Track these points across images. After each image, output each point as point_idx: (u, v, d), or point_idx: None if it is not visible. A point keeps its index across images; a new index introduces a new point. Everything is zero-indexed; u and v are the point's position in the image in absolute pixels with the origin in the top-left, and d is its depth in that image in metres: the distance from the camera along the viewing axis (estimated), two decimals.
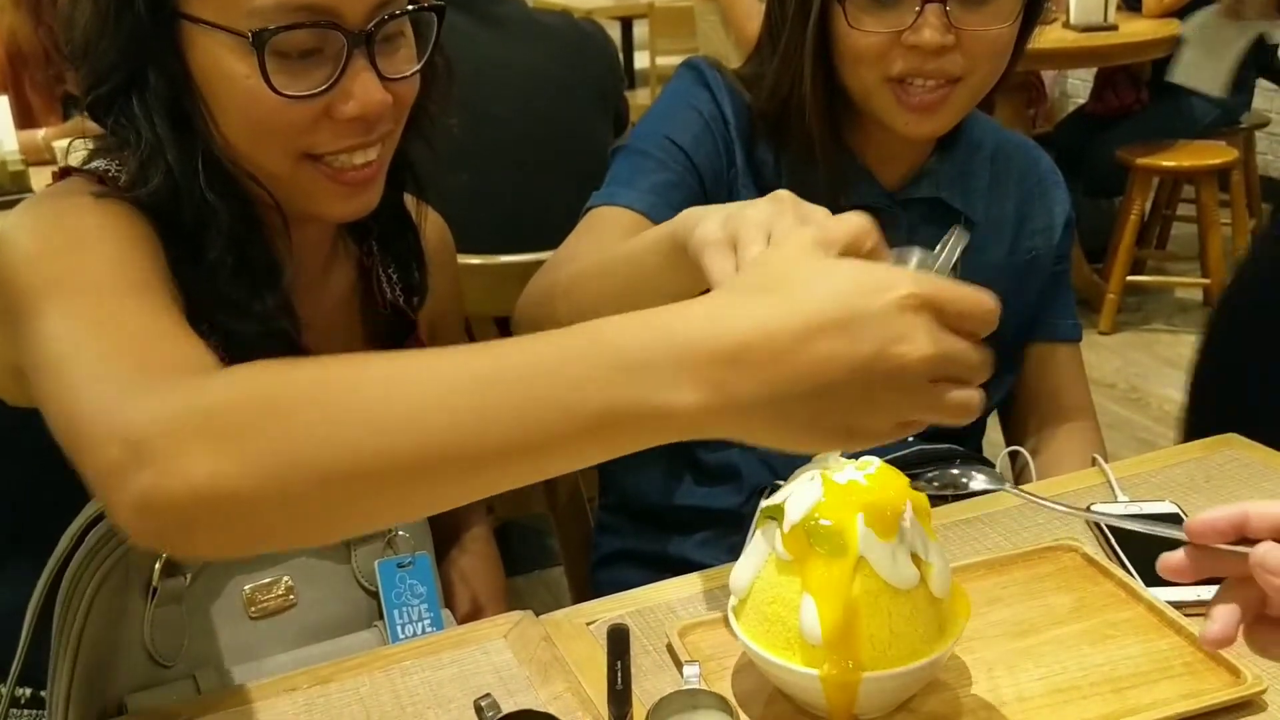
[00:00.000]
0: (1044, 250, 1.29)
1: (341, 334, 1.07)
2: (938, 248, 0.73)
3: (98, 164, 0.93)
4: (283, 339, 0.94)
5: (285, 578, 0.94)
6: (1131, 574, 0.92)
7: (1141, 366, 3.59)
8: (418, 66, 0.92)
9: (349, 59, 0.86)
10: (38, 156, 2.42)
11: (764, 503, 1.15)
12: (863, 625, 0.74)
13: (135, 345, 0.73)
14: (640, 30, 5.48)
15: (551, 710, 0.79)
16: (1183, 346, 3.70)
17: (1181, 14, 3.86)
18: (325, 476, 0.60)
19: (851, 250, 0.66)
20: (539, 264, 1.55)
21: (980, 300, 0.63)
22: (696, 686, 0.75)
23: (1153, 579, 0.91)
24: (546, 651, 0.86)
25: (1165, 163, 3.69)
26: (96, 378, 0.70)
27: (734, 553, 1.04)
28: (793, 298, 0.60)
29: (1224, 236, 3.84)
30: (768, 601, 0.77)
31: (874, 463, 0.79)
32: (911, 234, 1.19)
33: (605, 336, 0.61)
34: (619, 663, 0.83)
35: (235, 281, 0.91)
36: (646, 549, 1.29)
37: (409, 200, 1.09)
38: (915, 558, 0.75)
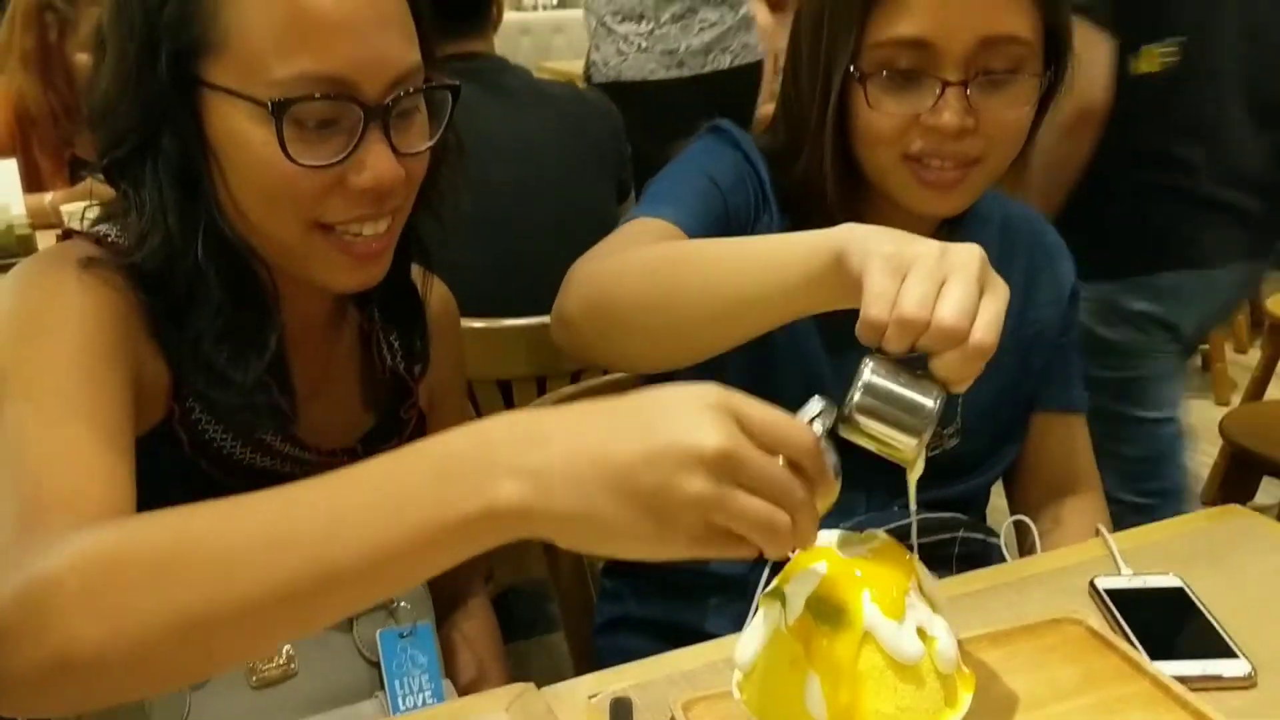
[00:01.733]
0: (1051, 321, 1.30)
1: (341, 399, 1.07)
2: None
3: (100, 228, 0.95)
4: (264, 411, 0.95)
5: (286, 647, 0.94)
6: (1137, 647, 0.92)
7: None
8: (431, 142, 0.94)
9: (365, 131, 0.87)
10: (44, 220, 2.43)
11: (767, 576, 1.16)
12: (868, 702, 0.73)
13: (43, 479, 0.77)
14: None
15: None
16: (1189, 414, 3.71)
17: None
18: (176, 630, 0.64)
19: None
20: (542, 327, 1.57)
21: (791, 425, 0.66)
22: None
23: (1159, 653, 0.91)
24: None
25: None
26: None
27: (738, 621, 1.03)
28: (607, 404, 0.66)
29: None
30: (773, 677, 0.77)
31: (879, 536, 0.79)
32: None
33: (430, 450, 0.66)
34: None
35: (218, 352, 0.91)
36: (649, 616, 1.29)
37: (415, 269, 1.10)
38: (920, 631, 0.75)
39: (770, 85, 2.97)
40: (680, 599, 1.26)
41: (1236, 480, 2.37)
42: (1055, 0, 1.09)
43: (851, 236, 0.81)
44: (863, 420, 0.75)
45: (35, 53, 2.68)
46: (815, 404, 0.73)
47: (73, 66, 2.69)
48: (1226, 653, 0.91)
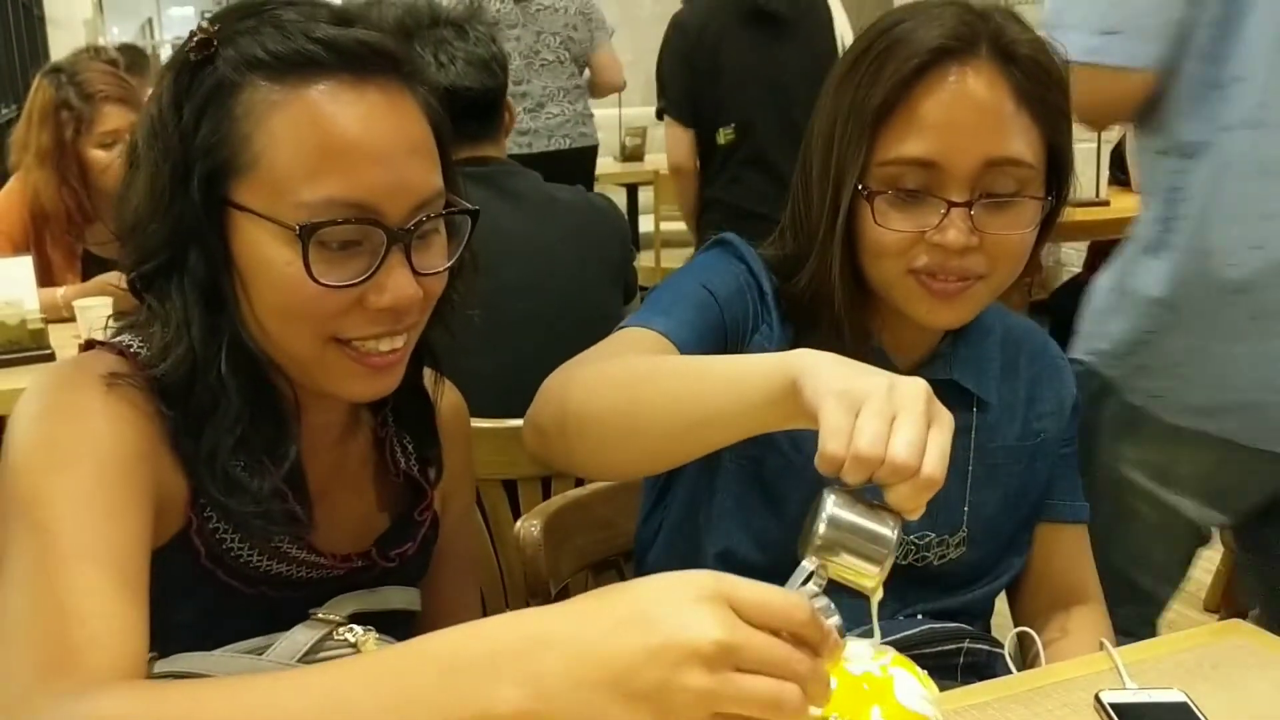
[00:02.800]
0: (1053, 432, 1.32)
1: (356, 502, 1.09)
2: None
3: (123, 338, 0.97)
4: (280, 519, 0.96)
5: None
6: None
7: None
8: (449, 263, 0.97)
9: (387, 254, 0.90)
10: (56, 314, 2.47)
11: None
12: None
13: (61, 627, 0.78)
14: (645, 196, 5.64)
15: None
16: None
17: None
18: None
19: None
20: None
21: (786, 602, 0.67)
22: None
23: None
24: None
25: None
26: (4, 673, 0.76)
27: None
28: (604, 601, 0.67)
29: None
30: None
31: (889, 653, 0.80)
32: None
33: (435, 651, 0.69)
34: None
35: (234, 462, 0.93)
36: None
37: (427, 374, 1.12)
38: None
39: None
40: None
41: (1240, 588, 2.37)
42: (1057, 124, 1.13)
43: (804, 365, 0.85)
44: (827, 553, 0.78)
45: (51, 150, 2.72)
46: (807, 564, 0.76)
47: (87, 163, 2.74)
48: None
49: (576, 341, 1.93)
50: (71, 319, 2.49)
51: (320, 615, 0.98)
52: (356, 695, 0.67)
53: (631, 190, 5.80)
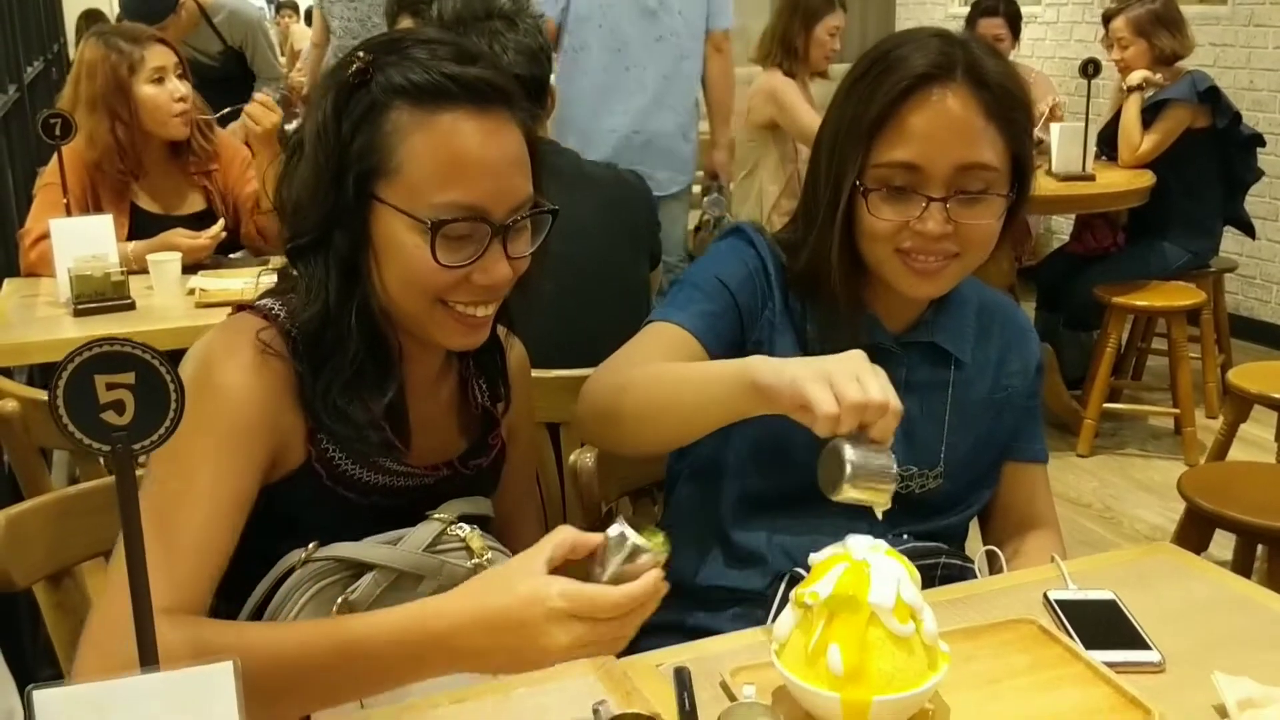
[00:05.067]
0: (1019, 389, 1.58)
1: (443, 428, 1.35)
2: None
3: (265, 302, 1.23)
4: (378, 444, 1.22)
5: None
6: (1075, 640, 1.20)
7: (1115, 488, 3.87)
8: (533, 248, 1.23)
9: (490, 244, 1.17)
10: (127, 267, 2.66)
11: (783, 591, 1.44)
12: (873, 663, 1.01)
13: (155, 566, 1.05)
14: None
15: None
16: (1155, 471, 3.99)
17: (1154, 166, 4.23)
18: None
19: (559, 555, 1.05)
20: (584, 379, 1.84)
21: (609, 596, 1.02)
22: (753, 701, 1.02)
23: (1091, 644, 1.19)
24: (628, 683, 1.13)
25: (1139, 302, 4.01)
26: (103, 622, 1.04)
27: (758, 626, 1.31)
28: (487, 596, 1.04)
29: (1193, 370, 4.15)
30: (803, 646, 1.04)
31: (882, 545, 1.06)
32: (911, 369, 1.49)
33: (414, 627, 1.06)
34: (685, 693, 1.10)
35: (344, 398, 1.19)
36: (682, 621, 1.54)
37: (500, 331, 1.38)
38: (912, 614, 1.03)
39: None
40: (708, 608, 1.52)
41: (1192, 534, 2.64)
42: (1019, 136, 1.39)
43: (760, 366, 1.18)
44: (853, 489, 1.10)
45: (103, 92, 2.89)
46: (616, 528, 1.06)
47: (139, 101, 2.92)
48: (1143, 646, 1.19)
49: (608, 307, 2.19)
50: (138, 271, 2.73)
51: (436, 516, 1.25)
52: (369, 659, 1.04)
53: None
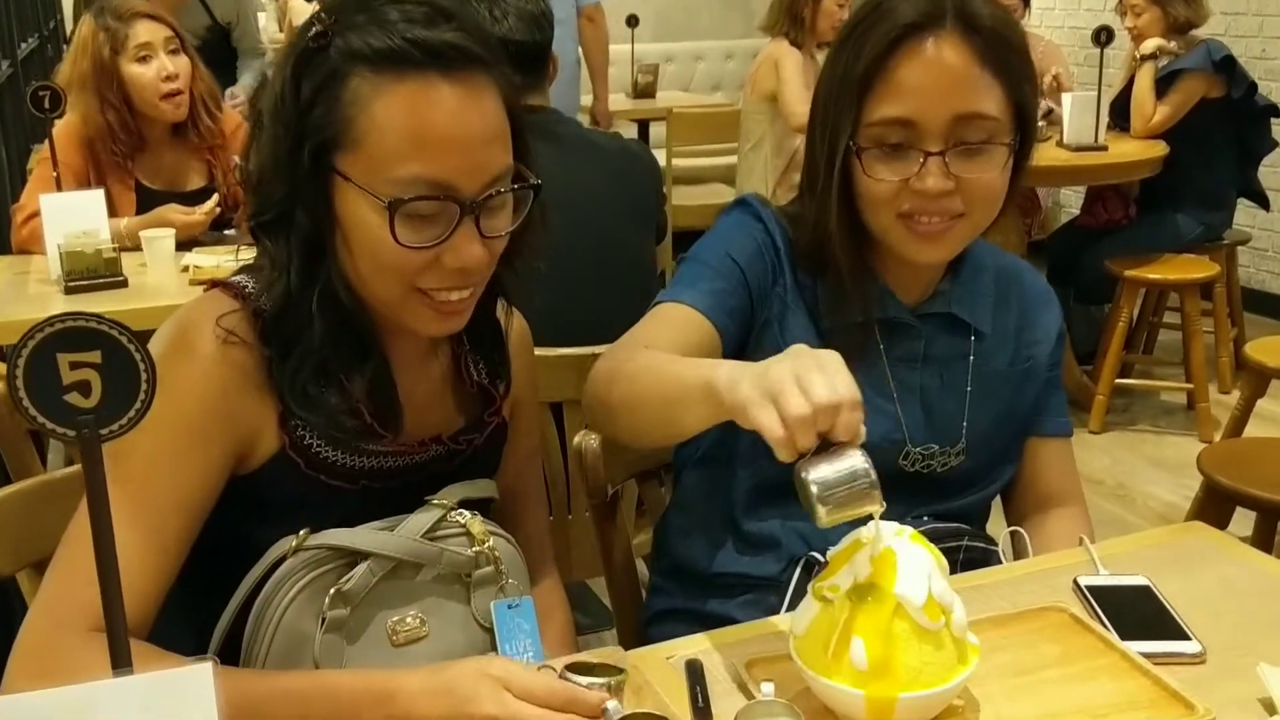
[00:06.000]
0: (1040, 359, 1.51)
1: (438, 407, 1.27)
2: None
3: (240, 278, 1.16)
4: (352, 430, 1.14)
5: (419, 614, 1.15)
6: (1109, 629, 1.13)
7: (1128, 465, 3.81)
8: (513, 226, 1.14)
9: (460, 222, 1.08)
10: (120, 244, 2.60)
11: (798, 577, 1.37)
12: (899, 657, 0.95)
13: (75, 587, 1.00)
14: (656, 131, 5.78)
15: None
16: (1167, 447, 3.93)
17: (1167, 136, 4.15)
18: None
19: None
20: (591, 356, 1.77)
21: (546, 685, 0.98)
22: (772, 699, 0.96)
23: (1127, 635, 1.13)
24: (638, 676, 1.07)
25: (1151, 275, 3.94)
26: (43, 607, 1.02)
27: (772, 613, 1.25)
28: (441, 669, 1.01)
29: (1206, 344, 4.08)
30: (823, 640, 0.98)
31: (907, 530, 1.00)
32: (929, 342, 1.43)
33: (332, 688, 1.03)
34: (698, 687, 1.04)
35: (314, 383, 1.12)
36: (693, 608, 1.49)
37: (499, 306, 1.31)
38: (940, 606, 0.96)
39: None
40: (721, 595, 1.47)
41: (1211, 511, 2.58)
42: (1018, 82, 1.31)
43: (719, 380, 1.06)
44: (831, 511, 0.96)
45: (91, 72, 2.82)
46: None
47: (126, 80, 2.84)
48: (1182, 636, 1.13)
49: (614, 280, 2.13)
50: (134, 248, 2.67)
51: (435, 501, 1.19)
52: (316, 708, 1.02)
53: (643, 126, 5.93)
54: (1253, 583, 1.26)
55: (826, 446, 0.98)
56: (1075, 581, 1.24)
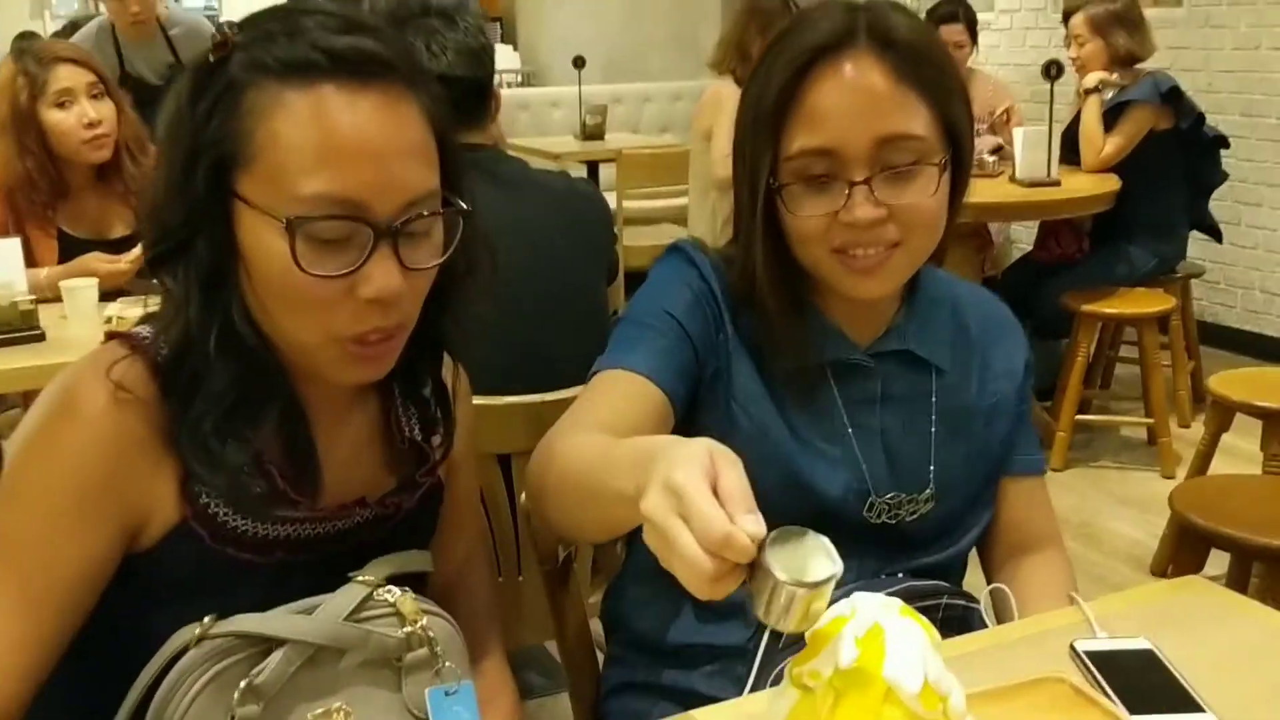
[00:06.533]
0: (1008, 392, 1.40)
1: (362, 465, 1.14)
2: None
3: (141, 329, 1.04)
4: (259, 495, 1.02)
5: (343, 705, 1.02)
6: (1116, 704, 1.03)
7: (1093, 502, 3.74)
8: (441, 260, 1.02)
9: (374, 249, 0.95)
10: (40, 295, 2.48)
11: (765, 644, 1.25)
12: None
13: None
14: (606, 173, 5.70)
15: None
16: (1131, 484, 3.86)
17: (1118, 169, 4.12)
18: None
19: None
20: (539, 405, 1.66)
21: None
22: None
23: (1135, 707, 1.02)
24: None
25: (1108, 309, 3.90)
26: None
27: (739, 683, 1.13)
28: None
29: (1165, 378, 4.04)
30: None
31: (895, 604, 0.89)
32: (887, 381, 1.32)
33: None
34: None
35: (218, 438, 0.99)
36: (653, 681, 1.37)
37: (446, 364, 1.18)
38: (937, 694, 0.85)
39: None
40: (683, 665, 1.35)
41: (1186, 552, 2.50)
42: (944, 97, 1.22)
43: (634, 482, 0.87)
44: (799, 625, 0.81)
45: (8, 117, 2.72)
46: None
47: (45, 126, 2.73)
48: (1195, 708, 1.02)
49: (565, 323, 2.01)
50: (54, 299, 2.53)
51: (359, 578, 1.06)
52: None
53: (592, 168, 5.85)
54: (1264, 642, 1.16)
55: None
56: (1072, 646, 1.13)
